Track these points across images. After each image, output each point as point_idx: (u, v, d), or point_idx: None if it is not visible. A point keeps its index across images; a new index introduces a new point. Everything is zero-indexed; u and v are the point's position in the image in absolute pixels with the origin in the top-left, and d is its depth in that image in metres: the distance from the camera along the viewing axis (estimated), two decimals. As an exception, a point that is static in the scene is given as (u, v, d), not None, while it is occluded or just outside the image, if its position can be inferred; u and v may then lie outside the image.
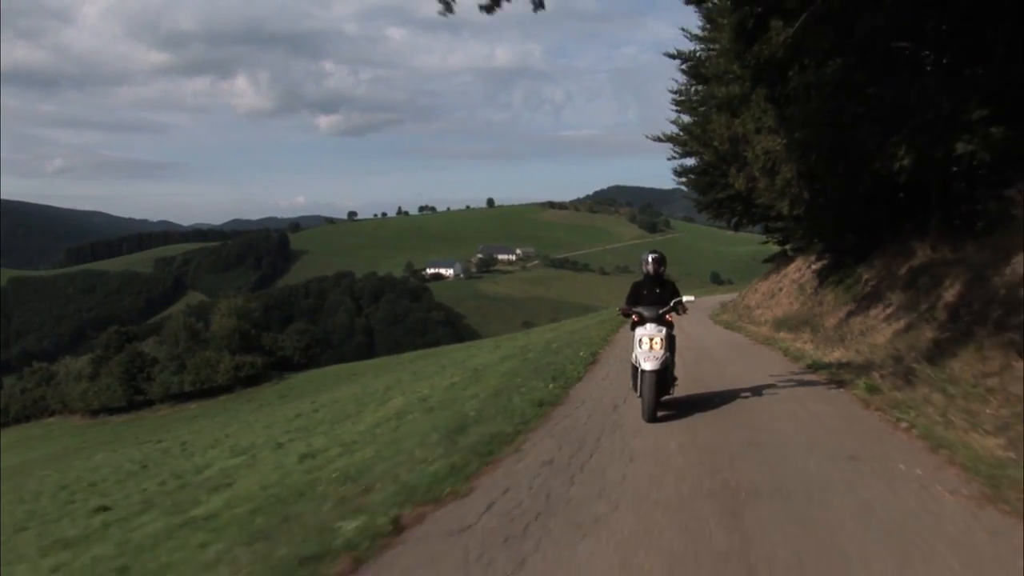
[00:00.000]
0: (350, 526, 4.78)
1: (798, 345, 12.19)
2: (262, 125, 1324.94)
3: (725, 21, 13.57)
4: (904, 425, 6.31)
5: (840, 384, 8.68)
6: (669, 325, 8.52)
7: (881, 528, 4.24)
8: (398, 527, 4.78)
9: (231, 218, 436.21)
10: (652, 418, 7.91)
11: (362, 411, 19.76)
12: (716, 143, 17.97)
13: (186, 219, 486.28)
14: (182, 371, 68.50)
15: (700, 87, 23.41)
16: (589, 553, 4.20)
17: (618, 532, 4.48)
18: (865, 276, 12.70)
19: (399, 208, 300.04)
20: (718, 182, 23.13)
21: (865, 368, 8.55)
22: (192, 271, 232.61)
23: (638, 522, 4.62)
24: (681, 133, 25.48)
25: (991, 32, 9.72)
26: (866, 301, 11.73)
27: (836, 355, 10.09)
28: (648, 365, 8.01)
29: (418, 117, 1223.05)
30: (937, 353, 7.40)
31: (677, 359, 8.83)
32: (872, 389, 7.65)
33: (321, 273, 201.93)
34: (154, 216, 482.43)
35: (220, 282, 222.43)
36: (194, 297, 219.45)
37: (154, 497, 14.01)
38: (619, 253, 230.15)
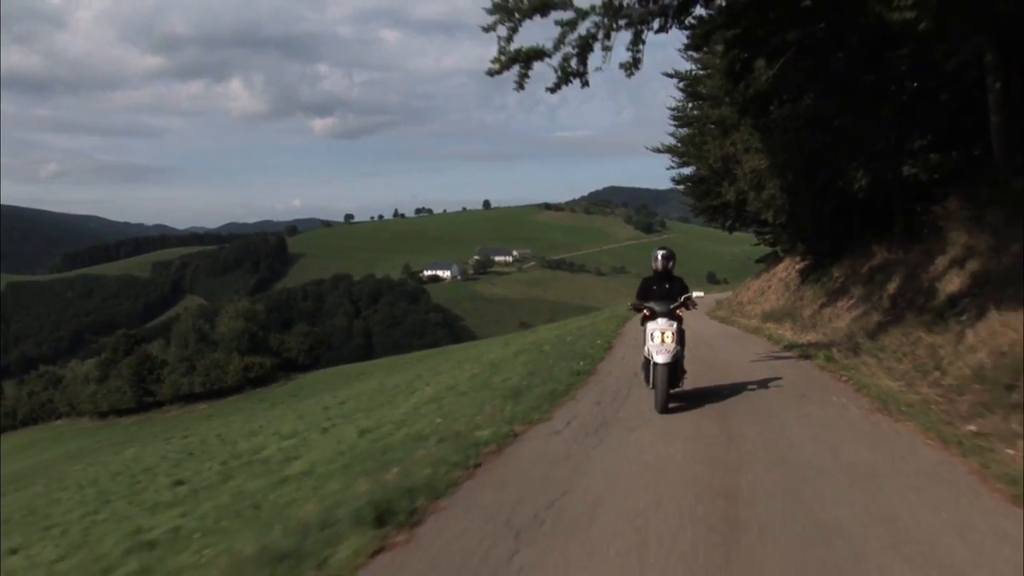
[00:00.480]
0: (483, 434, 7.36)
1: (780, 332, 14.62)
2: (257, 128, 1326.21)
3: (719, 48, 15.86)
4: (844, 379, 9.04)
5: (806, 357, 11.33)
6: (679, 320, 9.02)
7: (812, 424, 7.20)
8: (514, 433, 7.60)
9: (227, 221, 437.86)
10: (664, 409, 8.51)
11: (393, 400, 21.85)
12: (710, 161, 20.41)
13: (182, 223, 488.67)
14: (192, 372, 70.37)
15: (695, 104, 25.68)
16: (638, 438, 7.18)
17: (655, 431, 7.48)
18: (836, 274, 15.13)
19: (395, 211, 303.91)
20: (713, 190, 25.49)
21: (827, 345, 11.01)
22: (190, 275, 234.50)
23: (666, 426, 7.69)
24: (679, 145, 27.78)
25: (936, 77, 12.05)
26: (835, 295, 14.16)
27: (808, 338, 12.52)
28: (660, 358, 8.52)
29: (413, 119, 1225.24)
30: (877, 331, 9.85)
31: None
32: (828, 359, 10.14)
33: (319, 276, 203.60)
34: (150, 220, 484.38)
35: (218, 286, 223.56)
36: (192, 301, 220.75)
37: (229, 470, 16.16)
38: (615, 254, 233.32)
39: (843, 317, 12.28)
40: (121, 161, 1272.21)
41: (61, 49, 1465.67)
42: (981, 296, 7.91)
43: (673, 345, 8.57)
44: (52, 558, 11.48)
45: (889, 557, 3.78)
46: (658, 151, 28.41)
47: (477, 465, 6.26)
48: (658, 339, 8.60)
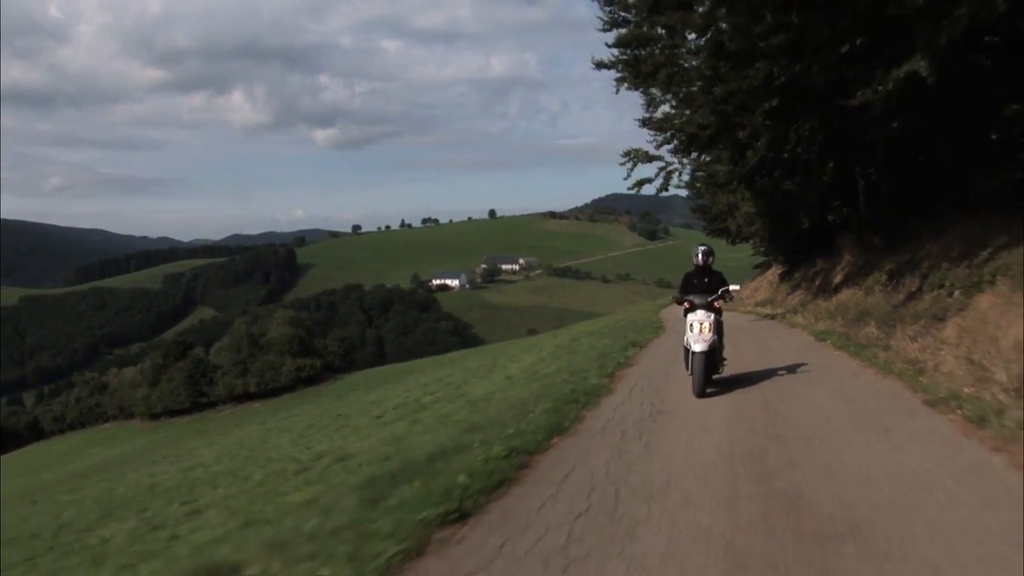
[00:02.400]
0: (593, 377, 12.34)
1: (763, 311, 23.89)
2: (259, 140, 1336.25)
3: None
4: (787, 323, 18.04)
5: (772, 318, 20.38)
6: (717, 312, 9.64)
7: (773, 333, 16.08)
8: (614, 375, 11.91)
9: (230, 233, 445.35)
10: (702, 393, 9.00)
11: (491, 373, 30.43)
12: (716, 209, 29.80)
13: (185, 235, 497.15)
14: (245, 374, 78.90)
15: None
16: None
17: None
18: (796, 276, 24.51)
19: (402, 221, 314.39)
20: (720, 217, 34.61)
21: (784, 313, 20.31)
22: (201, 287, 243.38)
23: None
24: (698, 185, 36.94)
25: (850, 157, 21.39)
26: (794, 287, 23.55)
27: (778, 311, 21.80)
28: (698, 347, 9.12)
29: (415, 129, 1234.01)
30: (806, 303, 19.23)
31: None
32: (783, 317, 19.32)
33: (328, 286, 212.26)
34: (154, 233, 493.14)
35: (229, 297, 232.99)
36: (204, 312, 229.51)
37: (426, 405, 24.92)
38: (620, 261, 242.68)
39: (795, 298, 21.66)
40: (124, 174, 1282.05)
41: (63, 63, 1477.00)
42: (847, 282, 17.12)
43: (710, 335, 9.28)
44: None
45: (810, 415, 12.86)
46: (678, 187, 37.54)
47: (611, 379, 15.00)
48: (697, 329, 9.34)
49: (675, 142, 17.96)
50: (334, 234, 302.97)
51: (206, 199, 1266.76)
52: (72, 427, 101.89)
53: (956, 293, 8.70)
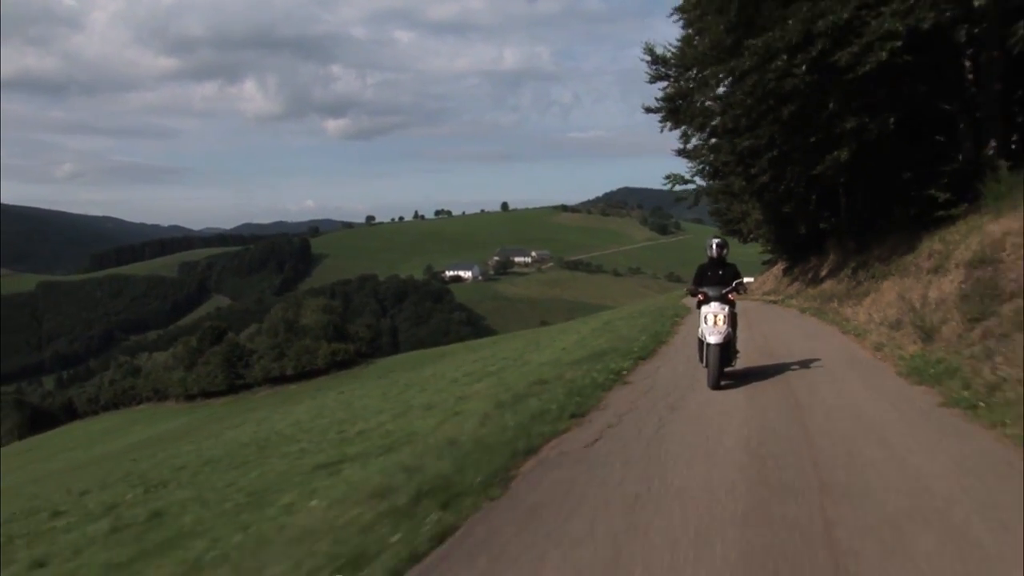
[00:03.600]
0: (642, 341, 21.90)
1: (766, 297, 29.99)
2: (270, 129, 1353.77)
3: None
4: (787, 305, 24.03)
5: (775, 303, 26.32)
6: (731, 304, 9.87)
7: (776, 314, 22.01)
8: (664, 340, 17.82)
9: (242, 222, 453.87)
10: (716, 385, 9.39)
11: (534, 354, 36.42)
12: (731, 215, 35.86)
13: (197, 223, 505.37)
14: (282, 358, 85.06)
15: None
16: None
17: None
18: (796, 271, 30.55)
19: (416, 212, 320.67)
20: (735, 219, 40.65)
21: (784, 299, 26.38)
22: (216, 275, 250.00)
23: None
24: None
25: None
26: (794, 280, 29.59)
27: (779, 298, 27.88)
28: (712, 339, 9.46)
29: (426, 120, 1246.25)
30: (800, 291, 25.27)
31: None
32: (783, 302, 25.30)
33: (342, 277, 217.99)
34: (165, 221, 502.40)
35: (244, 286, 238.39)
36: (218, 300, 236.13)
37: (499, 369, 31.06)
38: (631, 255, 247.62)
39: (793, 288, 27.73)
40: (136, 162, 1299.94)
41: (77, 51, 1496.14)
42: (829, 275, 23.17)
43: (725, 327, 9.46)
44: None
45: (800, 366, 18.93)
46: (699, 193, 43.84)
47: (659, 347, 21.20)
48: (711, 321, 9.53)
49: (703, 168, 23.96)
50: (347, 224, 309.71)
51: (217, 188, 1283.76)
52: (105, 408, 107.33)
53: (875, 281, 14.70)
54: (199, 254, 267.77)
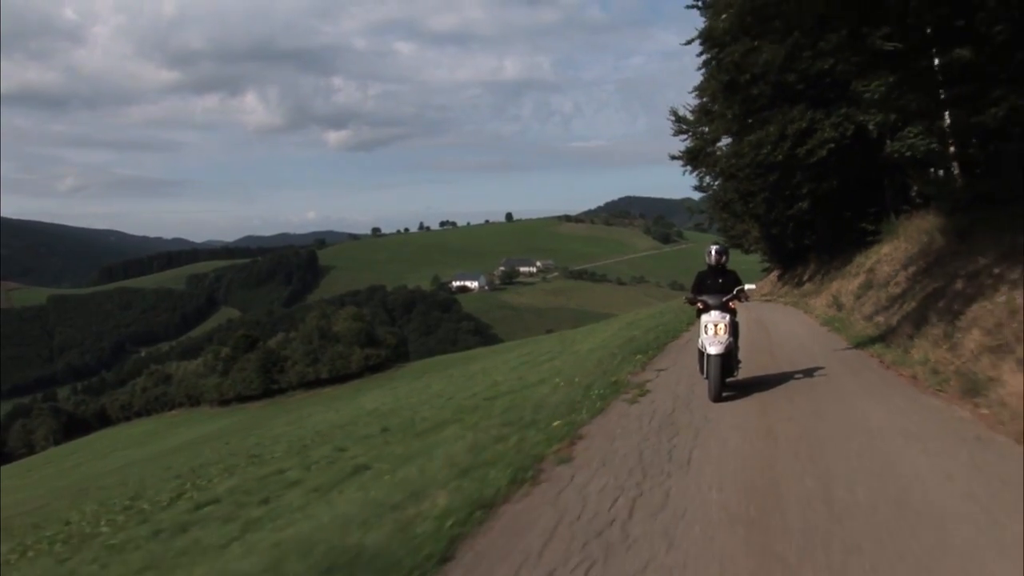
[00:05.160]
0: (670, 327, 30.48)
1: (765, 298, 38.46)
2: (272, 141, 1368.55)
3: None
4: (782, 302, 32.35)
5: (770, 302, 34.73)
6: (732, 312, 9.77)
7: (775, 310, 30.13)
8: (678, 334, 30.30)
9: (244, 235, 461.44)
10: (718, 398, 9.23)
11: (570, 349, 44.90)
12: (733, 232, 44.57)
13: (199, 236, 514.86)
14: (316, 363, 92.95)
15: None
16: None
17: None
18: (787, 278, 39.11)
19: (420, 223, 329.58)
20: (737, 236, 49.30)
21: (776, 298, 34.88)
22: (224, 287, 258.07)
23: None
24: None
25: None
26: (785, 284, 38.10)
27: (773, 297, 36.34)
28: (713, 349, 9.33)
29: (427, 131, 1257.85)
30: (789, 291, 33.78)
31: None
32: (775, 299, 33.73)
33: (349, 288, 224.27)
34: (168, 234, 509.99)
35: (252, 298, 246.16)
36: (228, 312, 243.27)
37: (547, 361, 39.50)
38: (635, 264, 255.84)
39: (784, 290, 36.31)
40: (138, 175, 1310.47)
41: (78, 65, 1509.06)
42: (809, 279, 31.55)
43: (726, 337, 9.43)
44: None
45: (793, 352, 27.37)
46: (701, 212, 52.64)
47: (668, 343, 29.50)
48: (711, 331, 9.50)
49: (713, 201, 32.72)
50: (353, 236, 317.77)
51: (219, 200, 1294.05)
52: (138, 414, 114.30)
53: (830, 282, 23.17)
54: (207, 267, 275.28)
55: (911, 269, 14.28)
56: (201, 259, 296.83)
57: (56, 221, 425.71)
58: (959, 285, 10.29)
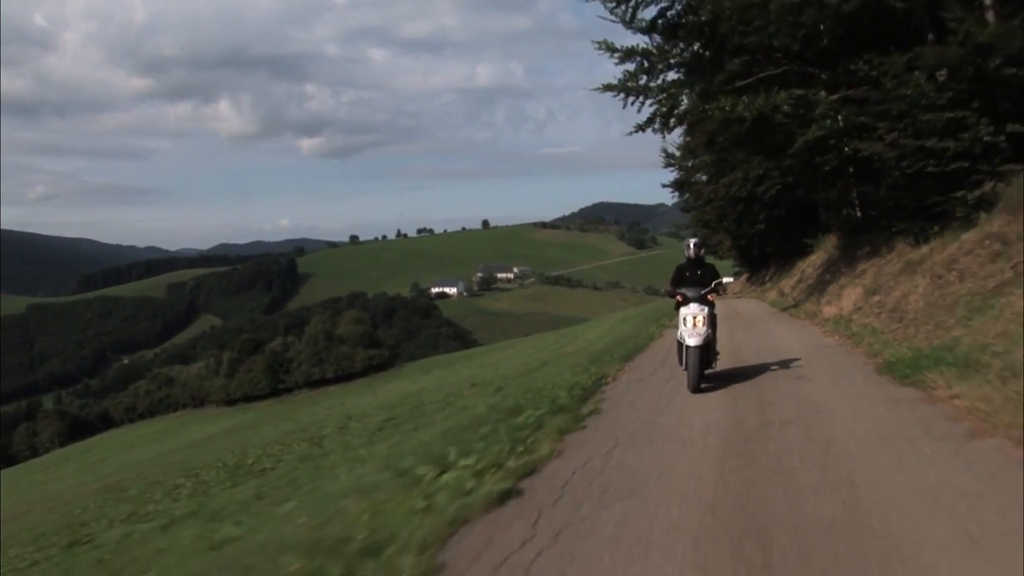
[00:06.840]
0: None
1: (736, 296, 47.99)
2: (245, 149, 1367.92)
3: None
4: (751, 297, 41.89)
5: (739, 297, 44.08)
6: (711, 304, 10.16)
7: (747, 304, 39.64)
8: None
9: (218, 242, 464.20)
10: (697, 389, 9.56)
11: (570, 343, 54.11)
12: (712, 242, 54.34)
13: (173, 244, 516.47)
14: (322, 363, 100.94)
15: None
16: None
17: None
18: (754, 279, 48.56)
19: (398, 231, 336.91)
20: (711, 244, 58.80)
21: (745, 294, 44.39)
22: (204, 295, 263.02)
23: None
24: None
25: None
26: (753, 285, 47.59)
27: (742, 293, 45.83)
28: (692, 341, 9.73)
29: (401, 138, 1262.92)
30: (756, 290, 43.34)
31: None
32: (743, 296, 43.22)
33: (329, 295, 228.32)
34: (141, 242, 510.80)
35: (232, 305, 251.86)
36: (208, 320, 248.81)
37: (555, 357, 48.56)
38: (610, 269, 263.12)
39: (751, 290, 45.73)
40: (110, 183, 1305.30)
41: (48, 72, 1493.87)
42: (771, 280, 41.04)
43: (704, 329, 9.83)
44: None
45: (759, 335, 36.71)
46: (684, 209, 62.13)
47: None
48: (690, 323, 9.89)
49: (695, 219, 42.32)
50: (331, 244, 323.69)
51: (192, 208, 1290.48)
52: (142, 416, 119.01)
53: (780, 280, 32.56)
54: (186, 275, 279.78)
55: (820, 268, 23.85)
56: (179, 267, 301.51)
57: (27, 229, 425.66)
58: (830, 276, 19.87)
